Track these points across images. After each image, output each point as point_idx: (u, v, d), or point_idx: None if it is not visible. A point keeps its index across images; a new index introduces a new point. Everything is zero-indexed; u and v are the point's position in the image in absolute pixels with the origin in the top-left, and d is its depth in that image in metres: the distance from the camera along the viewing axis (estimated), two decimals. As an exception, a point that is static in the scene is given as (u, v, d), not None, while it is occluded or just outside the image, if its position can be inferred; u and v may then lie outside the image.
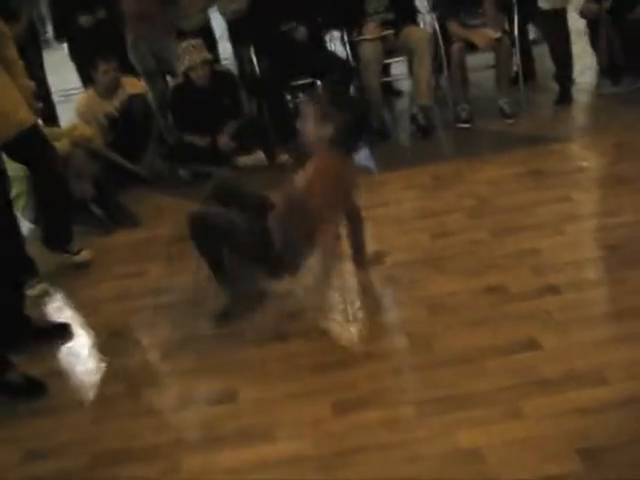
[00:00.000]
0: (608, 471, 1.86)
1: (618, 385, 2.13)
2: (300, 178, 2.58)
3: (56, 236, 3.57)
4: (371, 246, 3.08)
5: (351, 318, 2.71)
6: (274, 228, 2.67)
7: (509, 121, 4.52)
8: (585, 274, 2.78)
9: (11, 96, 3.12)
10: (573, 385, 2.15)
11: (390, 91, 5.43)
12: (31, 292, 3.29)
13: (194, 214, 2.70)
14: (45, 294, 3.38)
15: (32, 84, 3.36)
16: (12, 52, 3.16)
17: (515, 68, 4.82)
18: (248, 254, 2.71)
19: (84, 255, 3.58)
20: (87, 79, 4.78)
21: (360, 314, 2.72)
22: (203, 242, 2.70)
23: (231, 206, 2.80)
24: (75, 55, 5.22)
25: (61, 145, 3.93)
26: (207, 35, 4.94)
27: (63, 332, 3.00)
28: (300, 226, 2.57)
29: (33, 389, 2.60)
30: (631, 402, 2.05)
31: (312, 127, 2.52)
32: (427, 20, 5.10)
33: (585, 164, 3.76)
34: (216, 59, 5.01)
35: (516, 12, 4.62)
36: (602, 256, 2.87)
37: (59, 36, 5.25)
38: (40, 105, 4.14)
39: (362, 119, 2.65)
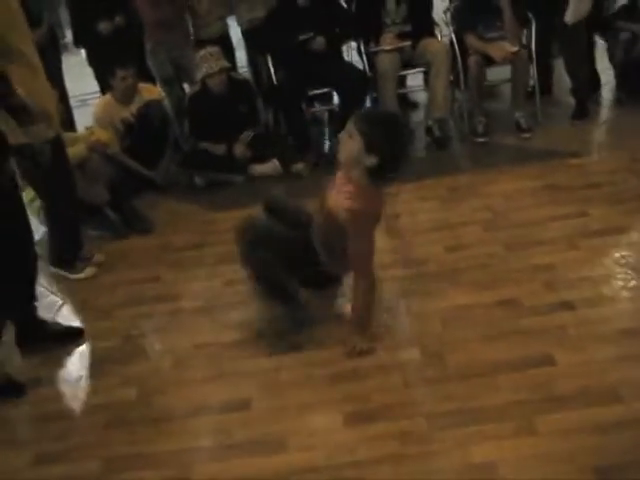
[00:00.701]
0: (622, 490, 1.84)
1: (633, 403, 2.11)
2: (333, 199, 2.52)
3: (65, 248, 3.58)
4: (386, 257, 3.08)
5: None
6: (318, 241, 2.64)
7: (525, 135, 4.51)
8: (600, 290, 2.76)
9: (52, 101, 3.15)
10: (587, 402, 2.14)
11: (406, 103, 5.43)
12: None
13: (244, 226, 2.73)
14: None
15: (55, 93, 3.38)
16: (37, 58, 3.18)
17: (532, 82, 4.81)
18: (293, 265, 2.64)
19: (87, 272, 3.58)
20: (105, 85, 4.81)
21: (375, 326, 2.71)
22: (251, 252, 2.65)
23: (281, 220, 2.81)
24: (93, 61, 5.26)
25: (77, 149, 3.96)
26: (225, 43, 4.97)
27: (77, 336, 3.01)
28: (338, 242, 2.50)
29: (12, 391, 2.65)
30: (646, 421, 2.04)
31: (355, 153, 2.39)
32: (444, 32, 5.10)
33: (601, 179, 3.75)
34: (233, 67, 5.03)
35: (534, 26, 4.61)
36: (617, 272, 2.85)
37: (78, 43, 5.29)
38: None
39: (405, 153, 2.51)
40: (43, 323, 3.01)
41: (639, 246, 3.02)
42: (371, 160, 2.36)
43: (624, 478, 1.87)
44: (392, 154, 2.39)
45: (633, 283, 2.77)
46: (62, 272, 3.57)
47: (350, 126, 2.39)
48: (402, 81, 5.14)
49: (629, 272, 2.83)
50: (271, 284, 2.68)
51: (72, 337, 3.00)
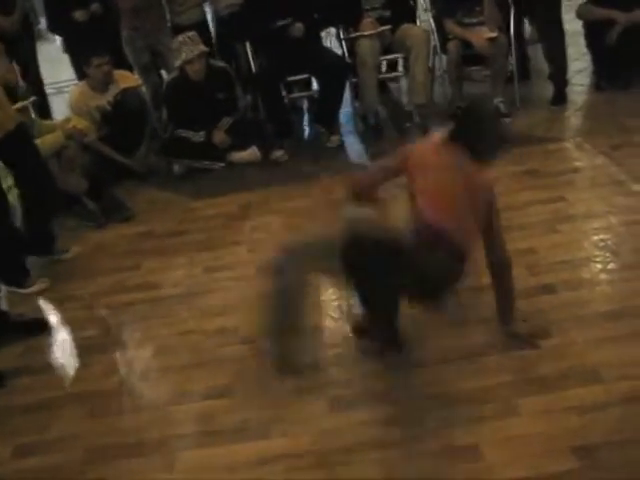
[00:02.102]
0: (603, 469, 1.87)
1: (613, 384, 2.14)
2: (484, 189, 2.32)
3: (40, 238, 3.54)
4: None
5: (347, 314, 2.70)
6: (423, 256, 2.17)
7: (505, 120, 4.52)
8: (580, 273, 2.79)
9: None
10: (569, 383, 2.16)
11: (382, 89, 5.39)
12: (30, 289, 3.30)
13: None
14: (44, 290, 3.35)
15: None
16: None
17: (510, 67, 4.82)
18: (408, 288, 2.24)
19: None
20: (82, 72, 4.75)
21: (356, 310, 2.71)
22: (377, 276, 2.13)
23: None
24: (69, 48, 5.18)
25: (54, 138, 3.90)
26: (203, 30, 4.91)
27: (40, 329, 2.98)
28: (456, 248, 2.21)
29: None
30: (626, 401, 2.06)
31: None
32: (423, 18, 5.10)
33: (580, 164, 3.78)
34: (212, 54, 4.99)
35: (512, 11, 4.61)
36: (596, 255, 2.88)
37: (53, 29, 5.21)
38: (33, 98, 4.13)
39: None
40: (4, 314, 2.99)
41: (617, 229, 3.05)
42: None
43: (604, 458, 1.90)
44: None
45: (612, 266, 2.80)
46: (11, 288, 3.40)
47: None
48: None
49: (608, 255, 2.86)
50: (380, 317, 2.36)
51: (35, 329, 2.97)
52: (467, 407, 2.14)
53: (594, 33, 4.80)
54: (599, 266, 2.82)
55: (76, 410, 2.44)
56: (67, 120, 4.23)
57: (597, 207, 3.26)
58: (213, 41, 5.14)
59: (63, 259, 3.58)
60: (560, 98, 4.67)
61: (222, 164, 4.51)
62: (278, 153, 4.47)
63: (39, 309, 3.20)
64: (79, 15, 4.80)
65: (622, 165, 3.58)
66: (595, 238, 3.00)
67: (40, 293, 3.31)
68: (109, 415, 2.39)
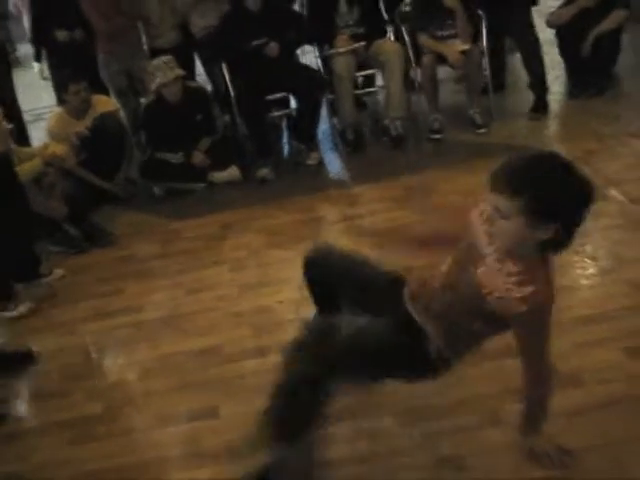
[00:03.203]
0: (585, 473, 1.88)
1: (594, 387, 2.16)
2: (486, 278, 1.75)
3: (25, 264, 3.53)
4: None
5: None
6: (424, 316, 1.93)
7: (480, 131, 4.57)
8: (559, 279, 2.78)
9: None
10: (549, 389, 2.17)
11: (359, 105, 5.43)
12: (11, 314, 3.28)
13: (339, 346, 1.83)
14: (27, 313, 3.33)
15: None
16: None
17: (485, 79, 4.87)
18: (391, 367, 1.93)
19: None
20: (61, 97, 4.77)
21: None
22: (354, 368, 1.88)
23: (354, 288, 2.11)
24: (53, 73, 5.22)
25: (33, 164, 3.91)
26: (182, 53, 4.91)
27: (26, 360, 2.94)
28: (467, 325, 1.85)
29: None
30: (607, 404, 2.09)
31: (519, 234, 1.66)
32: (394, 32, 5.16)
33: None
34: (192, 76, 5.01)
35: (484, 23, 4.67)
36: (575, 261, 2.91)
37: (37, 43, 5.28)
38: (11, 126, 4.13)
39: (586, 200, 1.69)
40: None
41: (595, 235, 3.08)
42: (548, 231, 1.65)
43: (585, 462, 1.91)
44: (575, 210, 1.66)
45: (590, 271, 2.83)
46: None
47: (494, 198, 1.66)
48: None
49: (586, 260, 2.89)
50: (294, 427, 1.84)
51: (20, 361, 2.93)
52: (450, 418, 2.15)
53: (566, 41, 4.88)
54: (578, 271, 2.85)
55: (58, 438, 2.42)
56: (45, 146, 4.23)
57: (574, 213, 3.29)
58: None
59: (49, 282, 3.55)
60: (541, 106, 4.72)
61: (202, 184, 4.52)
62: (264, 171, 4.47)
63: (20, 335, 3.18)
64: (60, 35, 4.85)
65: (597, 170, 3.62)
66: (573, 244, 3.01)
67: (23, 317, 3.29)
68: (92, 441, 2.38)
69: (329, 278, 2.14)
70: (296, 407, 1.80)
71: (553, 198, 1.62)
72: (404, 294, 2.00)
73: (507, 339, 2.38)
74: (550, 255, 1.76)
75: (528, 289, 1.68)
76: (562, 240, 1.69)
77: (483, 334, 1.90)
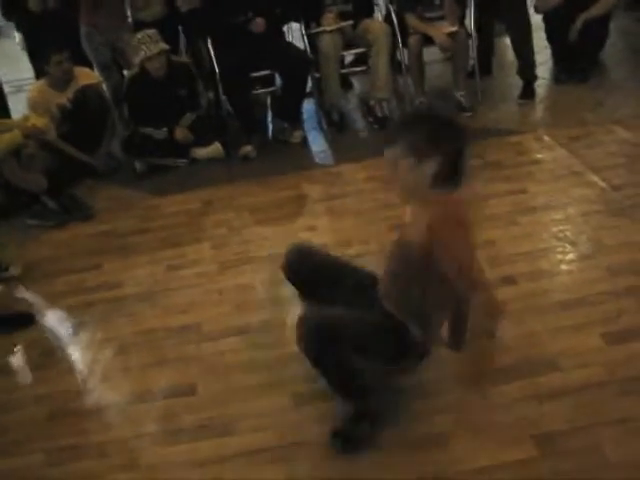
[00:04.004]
0: (563, 456, 1.89)
1: (571, 372, 2.17)
2: (416, 234, 1.87)
3: None
4: (331, 237, 3.08)
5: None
6: (394, 305, 2.05)
7: (466, 114, 4.55)
8: (540, 264, 2.82)
9: None
10: (527, 373, 2.19)
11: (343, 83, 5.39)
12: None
13: (319, 327, 1.97)
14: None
15: None
16: None
17: (471, 62, 4.85)
18: (378, 351, 2.06)
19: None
20: (40, 69, 4.67)
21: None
22: (332, 355, 1.97)
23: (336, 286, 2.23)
24: (27, 45, 5.10)
25: (13, 136, 3.84)
26: (166, 27, 4.83)
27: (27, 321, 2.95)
28: (435, 292, 1.95)
29: None
30: (584, 388, 2.10)
31: (411, 174, 1.85)
32: (383, 12, 5.12)
33: (540, 156, 3.82)
34: (176, 51, 4.93)
35: (472, 5, 4.64)
36: (555, 246, 2.92)
37: (8, 16, 5.15)
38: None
39: (460, 132, 1.91)
40: None
41: (576, 220, 3.10)
42: (430, 166, 1.83)
43: (564, 445, 1.92)
44: (449, 143, 1.85)
45: (570, 256, 2.85)
46: None
47: (388, 151, 1.89)
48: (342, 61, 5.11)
49: (567, 246, 2.90)
50: (350, 385, 2.07)
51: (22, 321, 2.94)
52: (429, 399, 2.16)
53: (554, 27, 4.86)
54: (558, 257, 2.87)
55: (35, 413, 2.40)
56: (26, 118, 4.17)
57: (556, 198, 3.30)
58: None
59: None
60: (529, 92, 4.71)
61: (185, 161, 4.47)
62: (247, 149, 4.43)
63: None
64: (33, 4, 4.72)
65: (580, 156, 3.64)
66: (554, 229, 3.04)
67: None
68: (69, 416, 2.36)
69: (310, 278, 2.25)
70: (336, 371, 2.01)
71: (423, 130, 1.86)
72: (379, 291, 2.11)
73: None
74: (451, 191, 1.88)
75: (428, 218, 1.83)
76: (450, 172, 1.85)
77: (439, 296, 1.98)
